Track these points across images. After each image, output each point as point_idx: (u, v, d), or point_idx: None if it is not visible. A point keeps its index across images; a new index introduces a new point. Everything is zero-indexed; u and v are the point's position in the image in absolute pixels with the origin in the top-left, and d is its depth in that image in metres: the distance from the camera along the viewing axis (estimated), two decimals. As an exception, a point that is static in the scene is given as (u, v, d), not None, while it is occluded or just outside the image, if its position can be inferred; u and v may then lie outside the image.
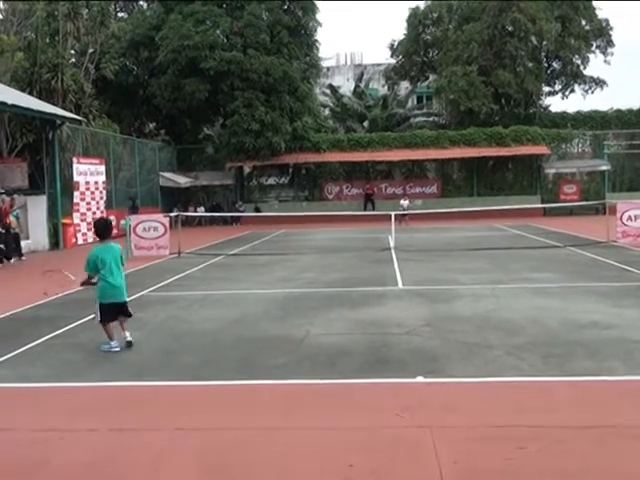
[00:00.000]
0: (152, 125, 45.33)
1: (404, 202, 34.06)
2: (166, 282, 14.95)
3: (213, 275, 16.16)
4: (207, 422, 5.96)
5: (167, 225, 21.16)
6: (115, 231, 28.05)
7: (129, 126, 40.81)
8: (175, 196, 39.50)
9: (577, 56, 46.35)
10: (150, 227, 20.94)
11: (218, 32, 38.81)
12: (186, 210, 35.60)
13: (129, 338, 8.70)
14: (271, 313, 10.97)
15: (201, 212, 37.79)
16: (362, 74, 56.28)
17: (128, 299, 9.08)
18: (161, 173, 38.40)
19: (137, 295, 13.04)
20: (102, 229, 9.01)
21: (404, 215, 31.45)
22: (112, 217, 29.08)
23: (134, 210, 31.69)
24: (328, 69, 57.72)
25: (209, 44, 37.29)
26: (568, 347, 8.09)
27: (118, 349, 8.51)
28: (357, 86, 53.44)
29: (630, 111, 45.42)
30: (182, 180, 39.31)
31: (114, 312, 8.71)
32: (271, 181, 44.46)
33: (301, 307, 11.40)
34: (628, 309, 10.42)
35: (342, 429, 5.69)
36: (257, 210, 39.42)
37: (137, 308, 11.63)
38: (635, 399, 6.32)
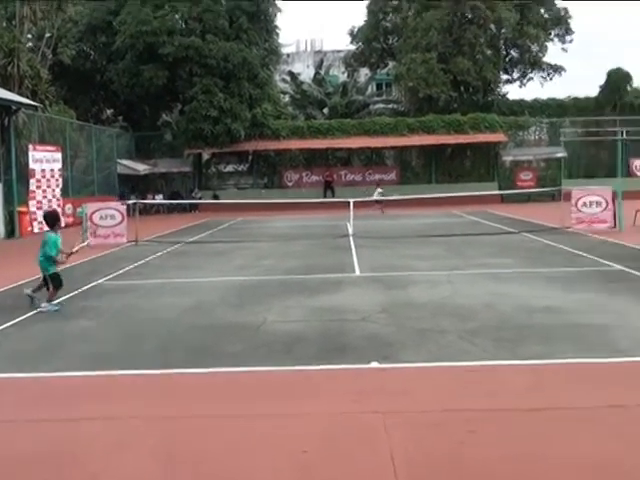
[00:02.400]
0: (110, 111, 44.80)
1: (379, 190, 33.70)
2: (123, 270, 14.83)
3: (171, 263, 16.09)
4: (162, 411, 5.96)
5: (124, 213, 20.95)
6: (72, 219, 27.83)
7: (86, 112, 40.25)
8: (133, 184, 39.14)
9: (535, 44, 46.73)
10: (107, 215, 20.71)
11: (177, 17, 38.52)
12: (144, 198, 35.30)
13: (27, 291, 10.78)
14: (228, 301, 10.96)
15: (159, 200, 37.50)
16: (322, 61, 56.22)
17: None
18: (119, 160, 37.96)
19: (93, 284, 12.96)
20: (52, 220, 10.94)
21: (380, 202, 31.63)
22: (69, 205, 28.88)
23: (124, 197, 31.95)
24: (288, 55, 57.55)
25: (167, 29, 36.95)
26: (520, 331, 8.23)
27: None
28: (317, 73, 53.34)
29: (587, 98, 46.16)
30: (140, 167, 38.96)
31: None
32: (230, 168, 44.26)
33: (258, 294, 11.41)
34: (579, 294, 10.63)
35: (297, 415, 5.74)
36: (215, 197, 39.22)
37: (93, 297, 11.62)
38: (584, 382, 6.45)
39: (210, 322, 9.37)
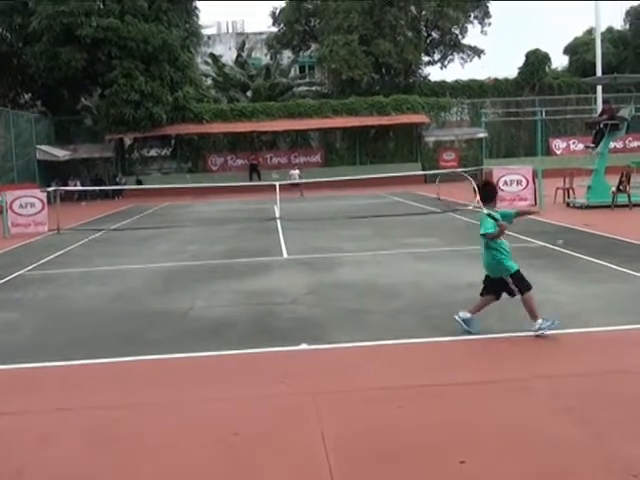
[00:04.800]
0: (27, 96, 43.47)
1: (294, 172, 33.70)
2: (45, 260, 14.48)
3: (94, 251, 15.80)
4: (92, 401, 5.85)
5: (45, 200, 20.45)
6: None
7: (3, 97, 39.08)
8: (54, 170, 38.17)
9: (455, 26, 47.45)
10: (27, 203, 20.17)
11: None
12: (65, 184, 34.51)
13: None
14: (155, 287, 10.85)
15: (81, 186, 36.69)
16: (244, 43, 55.73)
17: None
18: (38, 146, 37.01)
19: (14, 275, 12.61)
20: (489, 192, 7.72)
21: (296, 185, 31.57)
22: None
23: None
24: (209, 37, 56.83)
25: (85, 10, 35.94)
26: (445, 308, 8.35)
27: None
28: (239, 55, 52.84)
29: (506, 80, 47.24)
30: (60, 153, 38.02)
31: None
32: (153, 153, 43.61)
33: (185, 280, 11.32)
34: (502, 271, 10.86)
35: (227, 400, 5.73)
36: (139, 183, 38.62)
37: (14, 288, 11.33)
38: (509, 354, 6.63)
39: (137, 310, 9.26)
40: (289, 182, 31.04)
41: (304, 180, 30.77)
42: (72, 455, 4.78)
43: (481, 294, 7.47)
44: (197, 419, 5.32)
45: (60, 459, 4.73)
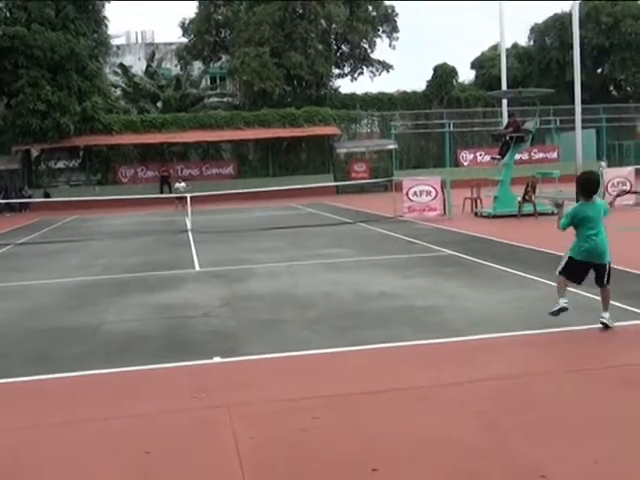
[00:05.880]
0: None
1: (179, 185, 33.19)
2: (-53, 275, 13.97)
3: (0, 266, 15.30)
4: (-5, 421, 5.66)
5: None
6: None
7: None
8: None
9: (365, 40, 48.20)
10: None
11: (1, 5, 36.52)
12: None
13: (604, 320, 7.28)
14: (63, 303, 10.55)
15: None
16: (154, 53, 55.14)
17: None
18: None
19: None
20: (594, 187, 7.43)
21: (181, 198, 31.07)
22: None
23: None
24: (118, 47, 56.02)
25: (-9, 18, 35.02)
26: (359, 318, 8.46)
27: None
28: (149, 65, 52.19)
29: (415, 93, 48.16)
30: (-36, 166, 36.75)
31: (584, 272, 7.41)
32: (61, 165, 42.52)
33: (96, 295, 11.06)
34: (413, 279, 11.08)
35: (139, 416, 5.61)
36: (46, 195, 37.61)
37: None
38: (422, 361, 6.73)
39: (44, 326, 8.98)
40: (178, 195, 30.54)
41: (197, 193, 30.35)
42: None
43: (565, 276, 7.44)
44: (107, 438, 5.18)
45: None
